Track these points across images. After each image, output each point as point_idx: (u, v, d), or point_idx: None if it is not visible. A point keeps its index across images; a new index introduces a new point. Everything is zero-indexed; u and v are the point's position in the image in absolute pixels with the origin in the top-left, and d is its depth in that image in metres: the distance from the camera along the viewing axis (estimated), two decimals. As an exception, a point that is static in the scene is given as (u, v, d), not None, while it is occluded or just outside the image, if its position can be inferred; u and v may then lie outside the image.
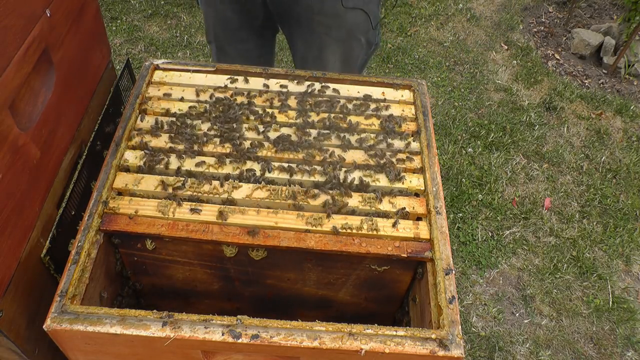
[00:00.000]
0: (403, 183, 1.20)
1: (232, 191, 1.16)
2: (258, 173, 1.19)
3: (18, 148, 0.97)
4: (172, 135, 1.25)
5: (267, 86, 1.40)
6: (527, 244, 2.55)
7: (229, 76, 1.41)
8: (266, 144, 1.25)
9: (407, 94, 1.42)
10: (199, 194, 1.15)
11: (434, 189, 1.20)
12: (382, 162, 1.24)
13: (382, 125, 1.32)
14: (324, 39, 1.68)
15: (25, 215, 1.02)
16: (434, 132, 1.49)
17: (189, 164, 1.20)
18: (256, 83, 1.40)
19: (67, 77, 1.15)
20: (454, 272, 1.07)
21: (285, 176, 1.19)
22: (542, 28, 3.96)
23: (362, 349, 0.94)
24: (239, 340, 0.93)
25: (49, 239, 1.09)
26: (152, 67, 1.40)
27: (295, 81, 1.41)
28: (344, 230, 1.11)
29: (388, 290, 1.24)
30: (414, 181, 1.21)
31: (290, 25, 1.75)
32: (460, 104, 3.26)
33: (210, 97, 1.35)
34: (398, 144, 1.29)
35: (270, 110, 1.33)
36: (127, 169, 1.19)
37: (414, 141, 1.30)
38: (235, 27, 1.80)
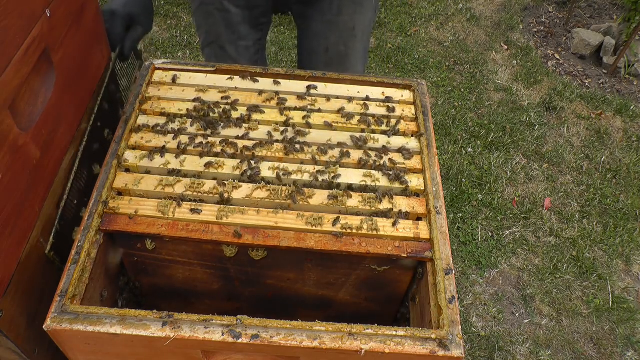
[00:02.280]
0: (403, 183, 1.20)
1: (232, 191, 1.16)
2: (258, 173, 1.19)
3: (18, 148, 0.97)
4: (172, 135, 1.25)
5: (267, 85, 1.40)
6: (527, 244, 2.55)
7: (228, 76, 1.41)
8: (266, 144, 1.25)
9: (407, 94, 1.42)
10: (199, 194, 1.15)
11: (434, 189, 1.21)
12: (381, 162, 1.24)
13: (381, 125, 1.32)
14: (342, 2, 1.71)
15: (25, 215, 1.02)
16: (434, 132, 1.49)
17: (189, 164, 1.20)
18: (256, 83, 1.40)
19: (67, 77, 1.15)
20: (454, 272, 1.07)
21: (285, 176, 1.19)
22: (542, 28, 3.96)
23: (362, 349, 0.94)
24: (239, 340, 0.93)
25: (52, 234, 1.10)
26: (152, 67, 1.40)
27: (295, 81, 1.42)
28: (344, 230, 1.11)
29: (388, 290, 1.24)
30: (414, 181, 1.21)
31: None
32: (460, 104, 3.26)
33: (210, 98, 1.35)
34: (398, 143, 1.29)
35: (269, 110, 1.33)
36: (127, 169, 1.20)
37: (413, 141, 1.30)
38: (237, 22, 1.81)
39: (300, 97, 1.37)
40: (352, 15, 1.74)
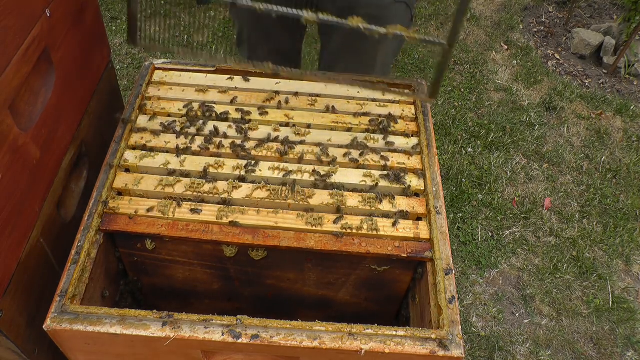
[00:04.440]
0: (403, 183, 1.20)
1: (232, 191, 1.16)
2: (258, 173, 1.19)
3: (18, 148, 0.97)
4: (172, 135, 1.25)
5: (267, 85, 1.39)
6: (527, 244, 2.55)
7: (228, 76, 1.41)
8: (265, 144, 1.25)
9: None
10: (199, 194, 1.15)
11: (434, 189, 1.20)
12: (382, 162, 1.24)
13: (381, 125, 1.32)
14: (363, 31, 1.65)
15: (25, 215, 1.02)
16: (434, 132, 1.49)
17: (189, 164, 1.20)
18: (256, 83, 1.40)
19: (67, 77, 1.15)
20: (454, 272, 1.07)
21: (285, 176, 1.19)
22: (542, 28, 3.96)
23: (362, 349, 0.94)
24: (239, 340, 0.93)
25: None
26: (152, 67, 1.40)
27: (295, 81, 1.41)
28: (344, 230, 1.11)
29: (388, 290, 1.24)
30: (414, 181, 1.21)
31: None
32: (460, 104, 3.26)
33: (210, 98, 1.35)
34: (398, 143, 1.29)
35: (269, 111, 1.33)
36: (127, 169, 1.20)
37: (413, 141, 1.30)
38: (268, 25, 1.75)
39: (301, 96, 1.37)
40: (375, 45, 1.62)
